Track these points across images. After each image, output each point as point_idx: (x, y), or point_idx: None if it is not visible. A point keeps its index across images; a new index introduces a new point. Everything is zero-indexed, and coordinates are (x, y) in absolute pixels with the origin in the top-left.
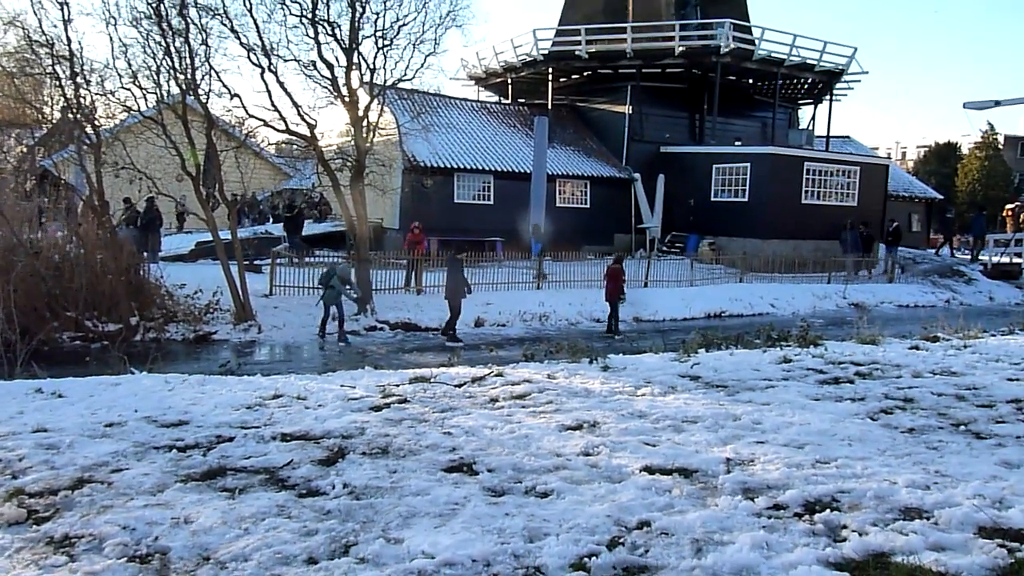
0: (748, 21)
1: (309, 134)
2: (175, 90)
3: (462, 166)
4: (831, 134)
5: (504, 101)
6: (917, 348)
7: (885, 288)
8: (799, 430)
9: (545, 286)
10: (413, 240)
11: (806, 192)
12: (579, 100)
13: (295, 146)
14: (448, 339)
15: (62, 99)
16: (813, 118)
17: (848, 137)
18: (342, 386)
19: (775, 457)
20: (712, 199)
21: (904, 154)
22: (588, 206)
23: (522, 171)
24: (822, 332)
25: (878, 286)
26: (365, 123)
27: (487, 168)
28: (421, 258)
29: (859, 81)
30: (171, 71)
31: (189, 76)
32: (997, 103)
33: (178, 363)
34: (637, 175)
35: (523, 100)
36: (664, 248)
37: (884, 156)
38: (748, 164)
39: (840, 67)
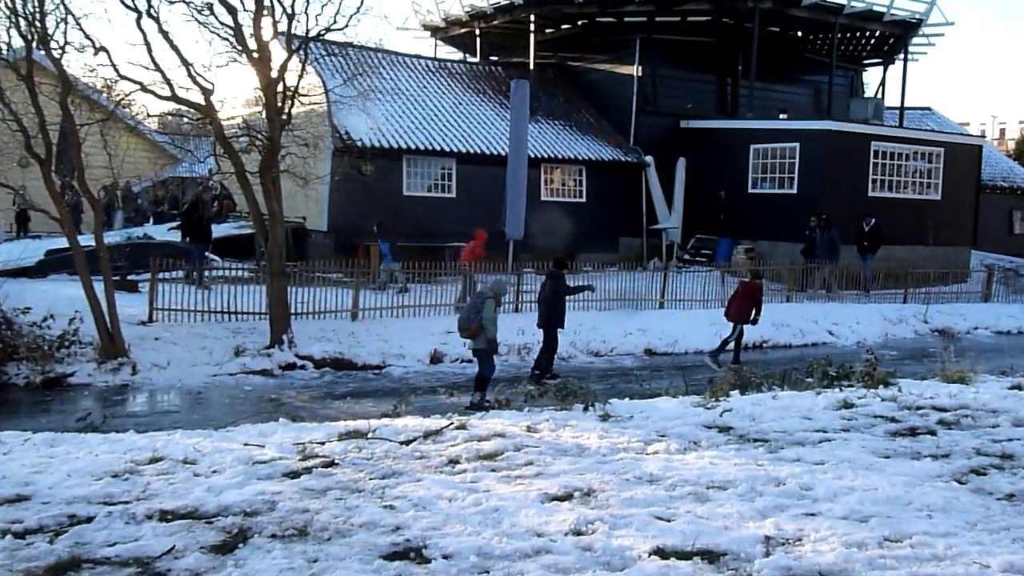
0: None
1: (204, 103)
2: (17, 42)
3: (414, 146)
4: (906, 105)
5: (471, 59)
6: (1020, 388)
7: (979, 310)
8: (862, 498)
9: (527, 308)
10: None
11: (874, 181)
12: (571, 58)
13: (185, 119)
14: (538, 378)
15: None
16: (882, 84)
17: (929, 109)
18: (246, 445)
19: (830, 534)
20: (749, 191)
21: (1003, 132)
22: (584, 200)
23: (495, 153)
24: (895, 367)
25: (969, 307)
26: (281, 88)
27: (448, 149)
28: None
29: (942, 35)
30: (11, 15)
31: (37, 22)
32: None
33: (18, 416)
34: (649, 159)
35: (496, 58)
36: (687, 256)
37: (976, 134)
38: (797, 144)
39: (917, 16)
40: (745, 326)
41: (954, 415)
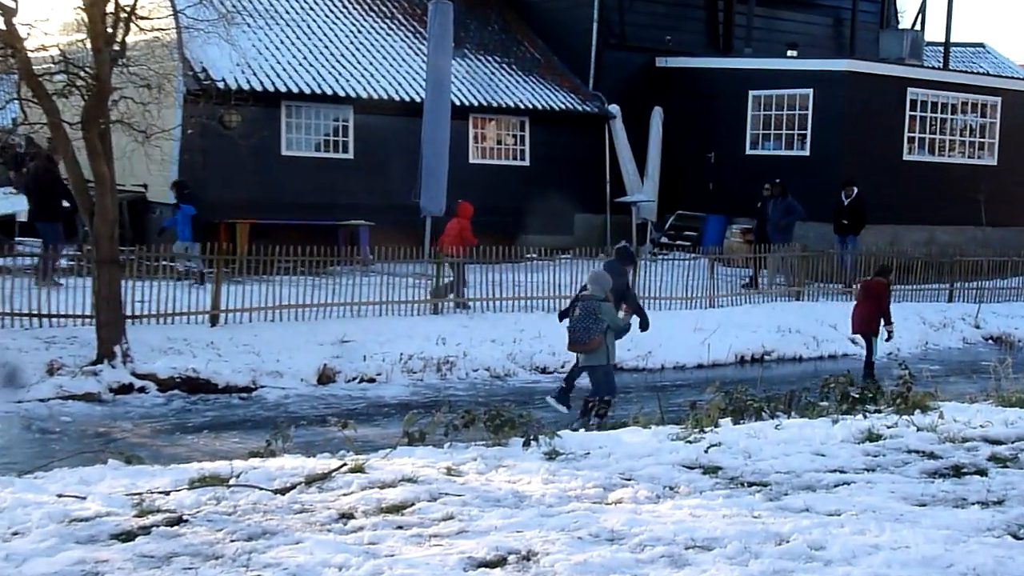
0: None
1: (4, 26)
2: None
3: (297, 89)
4: (953, 40)
5: None
6: None
7: None
8: (890, 559)
9: (448, 309)
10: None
11: (910, 141)
12: None
13: None
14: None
15: None
16: (922, 12)
17: (982, 46)
18: (61, 497)
19: None
20: (747, 152)
21: None
22: (528, 163)
23: (407, 99)
24: (937, 386)
25: None
26: (111, 7)
27: (343, 94)
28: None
29: None
30: None
31: None
32: None
33: None
34: (615, 109)
35: None
36: (664, 239)
37: None
38: (810, 91)
39: None
40: (881, 340)
41: (1011, 449)
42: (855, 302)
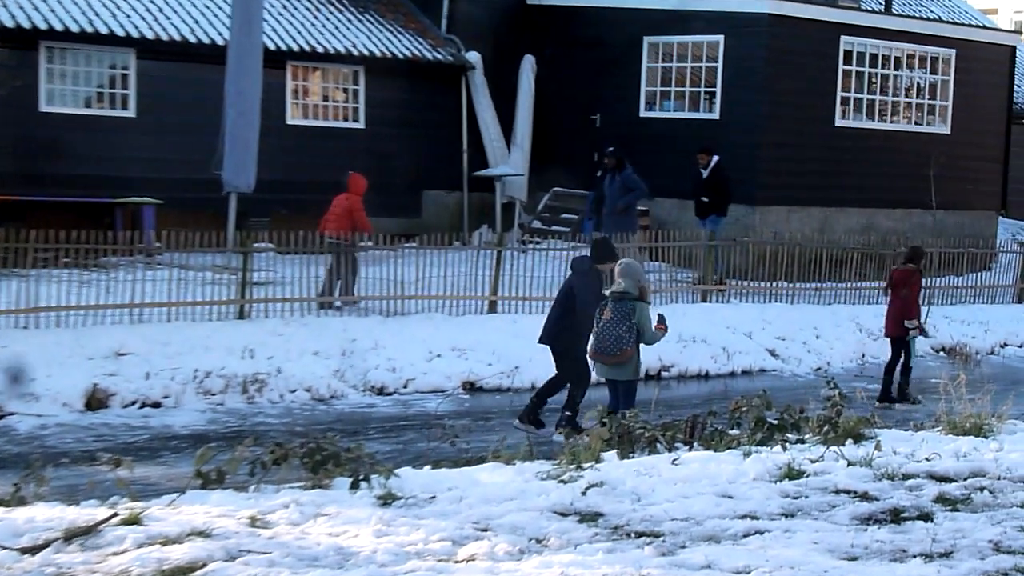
0: None
1: None
2: None
3: (59, 26)
4: None
5: None
6: None
7: (1010, 315)
8: None
9: (257, 312)
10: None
11: (844, 102)
12: None
13: None
14: (564, 428)
15: None
16: None
17: None
18: None
19: None
20: (642, 114)
21: None
22: (363, 126)
23: (205, 41)
24: (874, 409)
25: (996, 310)
26: None
27: (121, 33)
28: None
29: None
30: None
31: None
32: None
33: None
34: (474, 57)
35: None
36: (537, 224)
37: (1009, 29)
38: (721, 38)
39: None
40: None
41: (962, 488)
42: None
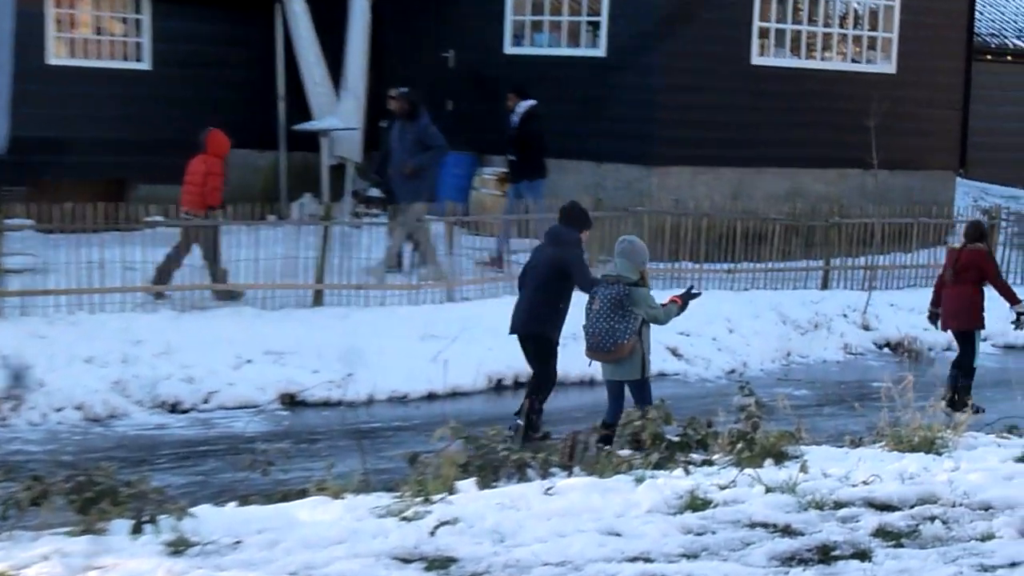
0: None
1: None
2: None
3: None
4: None
5: None
6: None
7: None
8: None
9: (13, 309)
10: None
11: (763, 34)
12: None
13: None
14: (525, 432)
15: None
16: None
17: None
18: None
19: None
20: (508, 50)
21: None
22: (149, 67)
23: None
24: (803, 421)
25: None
26: None
27: None
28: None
29: None
30: None
31: None
32: None
33: None
34: None
35: None
36: (374, 192)
37: None
38: None
39: None
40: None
41: (909, 518)
42: (940, 285)
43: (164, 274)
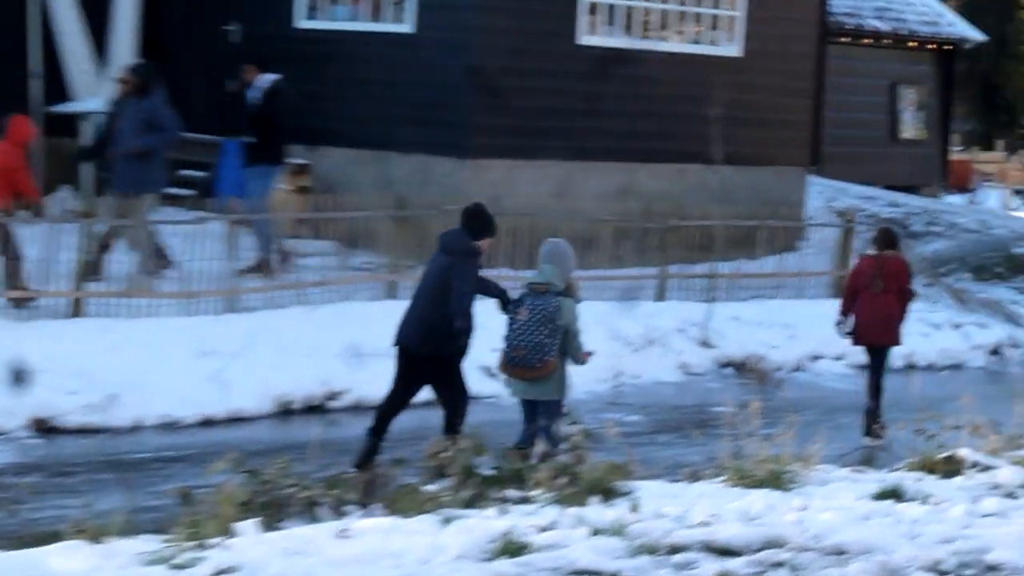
0: None
1: None
2: None
3: None
4: None
5: None
6: (896, 497)
7: (823, 314)
8: None
9: None
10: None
11: (592, 10)
12: None
13: None
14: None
15: None
16: None
17: None
18: None
19: None
20: (301, 24)
21: None
22: None
23: None
24: (636, 451)
25: (804, 307)
26: None
27: None
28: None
29: None
30: None
31: None
32: None
33: None
34: None
35: None
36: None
37: None
38: None
39: None
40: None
41: (753, 564)
42: (848, 293)
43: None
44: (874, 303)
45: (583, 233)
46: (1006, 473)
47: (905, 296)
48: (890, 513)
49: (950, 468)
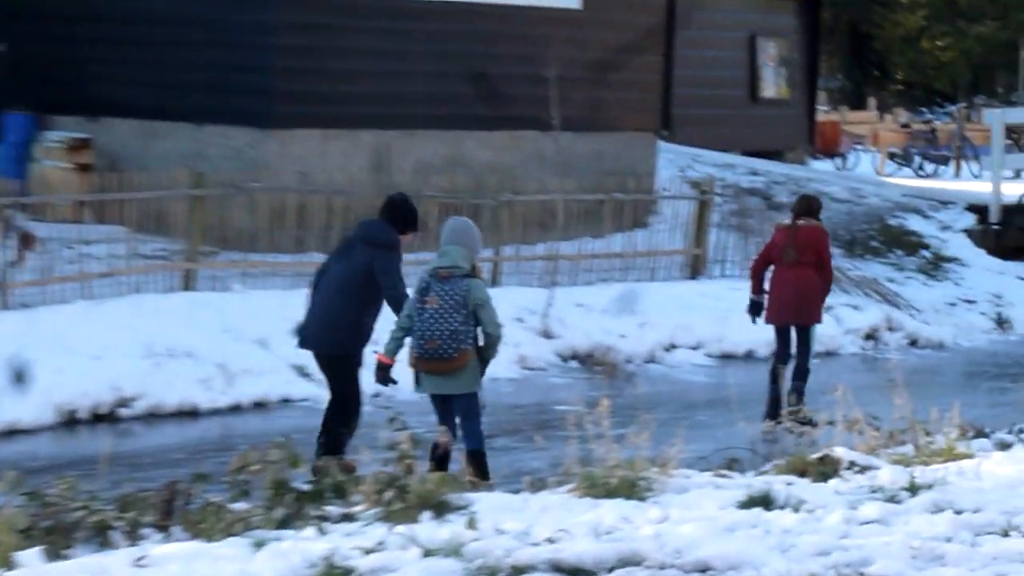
0: None
1: None
2: None
3: None
4: None
5: None
6: (765, 504)
7: (679, 297)
8: None
9: None
10: None
11: None
12: None
13: None
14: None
15: None
16: None
17: None
18: None
19: None
20: None
21: None
22: None
23: None
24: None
25: (652, 291)
26: None
27: None
28: None
29: None
30: None
31: None
32: None
33: None
34: None
35: None
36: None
37: None
38: None
39: None
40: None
41: None
42: (756, 266)
43: None
44: (788, 277)
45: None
46: (886, 474)
47: (826, 270)
48: (758, 523)
49: (824, 470)
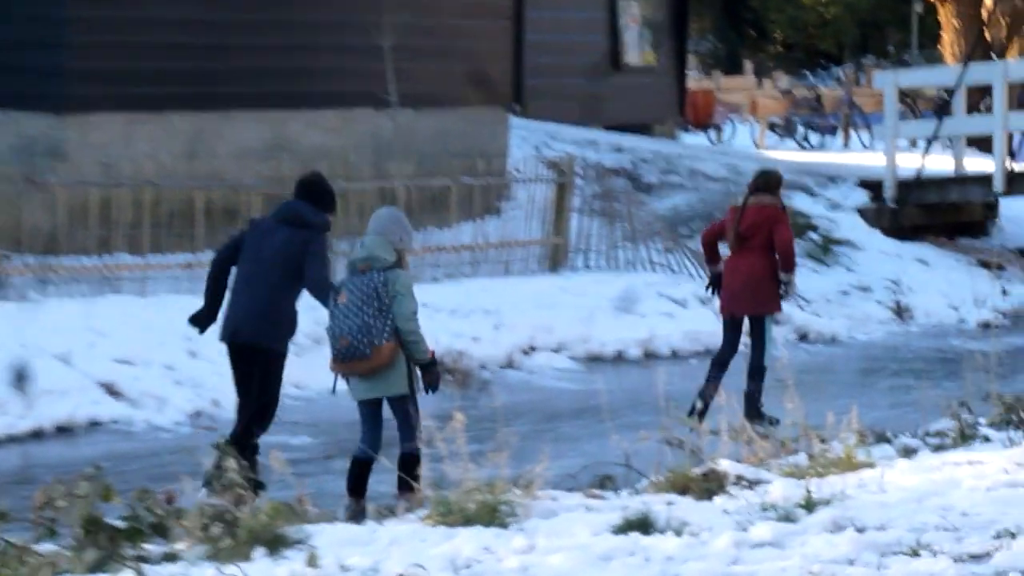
0: None
1: None
2: None
3: None
4: None
5: None
6: (643, 528)
7: (532, 293)
8: None
9: None
10: None
11: None
12: None
13: None
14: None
15: None
16: None
17: None
18: None
19: None
20: None
21: None
22: None
23: None
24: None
25: (508, 287)
26: None
27: None
28: None
29: None
30: None
31: None
32: None
33: None
34: None
35: None
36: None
37: None
38: None
39: None
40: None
41: None
42: (712, 238)
43: None
44: (736, 263)
45: (224, 204)
46: (778, 489)
47: (786, 253)
48: (637, 550)
49: (708, 486)
